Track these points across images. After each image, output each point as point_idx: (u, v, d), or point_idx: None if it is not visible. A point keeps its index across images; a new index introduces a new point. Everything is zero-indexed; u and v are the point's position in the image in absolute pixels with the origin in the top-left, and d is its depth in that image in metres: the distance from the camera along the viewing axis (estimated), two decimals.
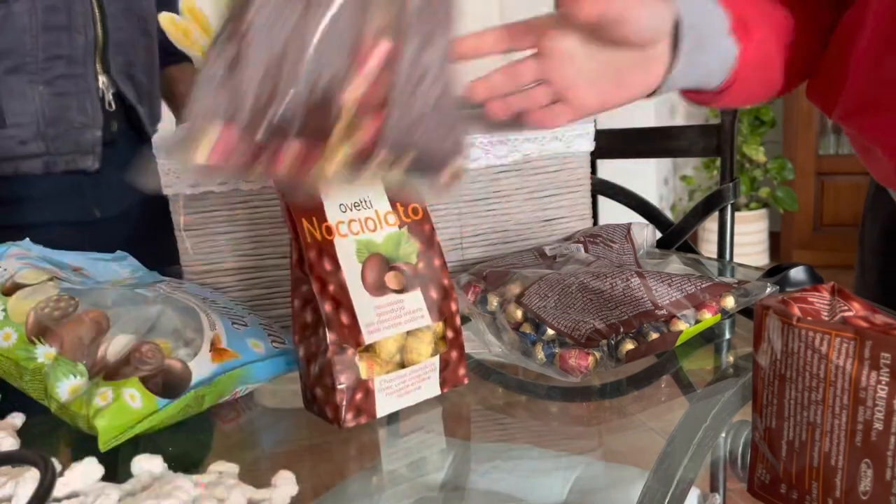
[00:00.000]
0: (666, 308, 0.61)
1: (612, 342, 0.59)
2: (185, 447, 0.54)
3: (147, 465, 0.47)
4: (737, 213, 3.05)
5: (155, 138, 0.69)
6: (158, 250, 0.81)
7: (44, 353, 0.54)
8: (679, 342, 0.61)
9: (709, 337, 0.70)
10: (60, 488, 0.44)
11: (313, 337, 0.54)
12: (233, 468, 0.48)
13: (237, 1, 0.42)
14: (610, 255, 0.73)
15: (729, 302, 0.64)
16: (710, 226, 3.23)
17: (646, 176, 3.32)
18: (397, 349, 0.56)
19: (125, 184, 0.93)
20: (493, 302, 0.65)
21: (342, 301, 0.53)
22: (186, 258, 0.72)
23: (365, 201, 0.57)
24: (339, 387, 0.52)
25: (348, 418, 0.53)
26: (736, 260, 1.05)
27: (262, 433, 0.57)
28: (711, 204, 1.18)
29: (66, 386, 0.52)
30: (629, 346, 0.59)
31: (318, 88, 0.43)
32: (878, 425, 0.35)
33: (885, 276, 0.80)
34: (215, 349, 0.56)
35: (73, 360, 0.53)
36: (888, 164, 0.64)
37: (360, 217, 0.56)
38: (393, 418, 0.56)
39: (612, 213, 1.25)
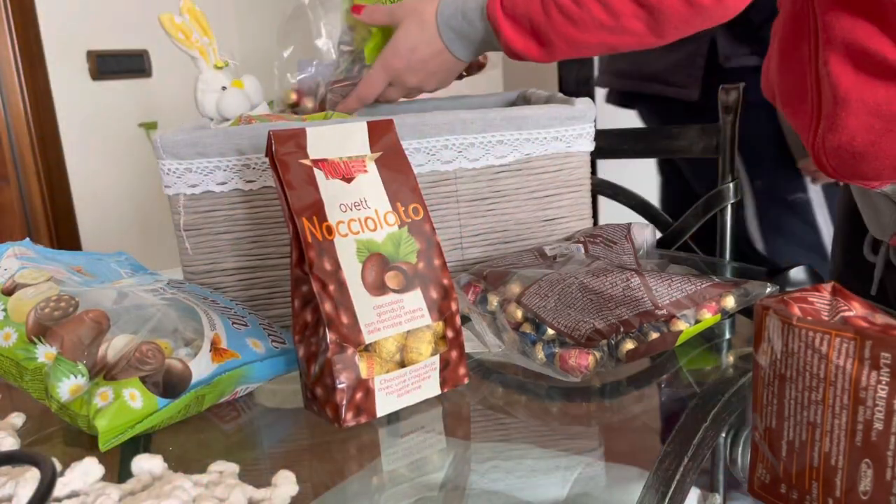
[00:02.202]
0: (666, 308, 0.61)
1: (612, 342, 0.59)
2: (185, 447, 0.54)
3: (147, 465, 0.47)
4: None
5: (155, 138, 0.69)
6: None
7: (44, 353, 0.54)
8: (679, 342, 0.61)
9: (709, 337, 0.70)
10: (60, 488, 0.44)
11: (313, 337, 0.54)
12: (233, 468, 0.48)
13: None
14: (610, 255, 0.73)
15: (729, 302, 0.64)
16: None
17: (646, 176, 3.32)
18: (397, 349, 0.56)
19: None
20: (493, 302, 0.65)
21: (342, 301, 0.53)
22: (186, 258, 0.72)
23: (365, 201, 0.57)
24: (339, 386, 0.52)
25: (348, 418, 0.53)
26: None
27: (262, 433, 0.57)
28: (711, 204, 1.18)
29: (67, 386, 0.52)
30: (629, 346, 0.59)
31: None
32: (878, 425, 0.35)
33: (846, 248, 0.95)
34: (215, 349, 0.56)
35: (73, 360, 0.53)
36: (804, 137, 0.78)
37: (360, 217, 0.56)
38: (393, 418, 0.56)
39: (612, 213, 1.25)
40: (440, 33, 0.80)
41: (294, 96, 0.91)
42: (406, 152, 0.61)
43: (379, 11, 0.84)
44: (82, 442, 0.54)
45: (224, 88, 0.79)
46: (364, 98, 0.86)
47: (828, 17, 0.68)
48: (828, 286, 0.42)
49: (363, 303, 0.54)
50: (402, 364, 0.56)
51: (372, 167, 0.58)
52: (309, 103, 0.91)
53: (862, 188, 0.79)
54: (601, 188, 1.27)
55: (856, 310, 0.40)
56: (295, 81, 0.91)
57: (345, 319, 0.53)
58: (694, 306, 0.62)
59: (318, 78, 0.90)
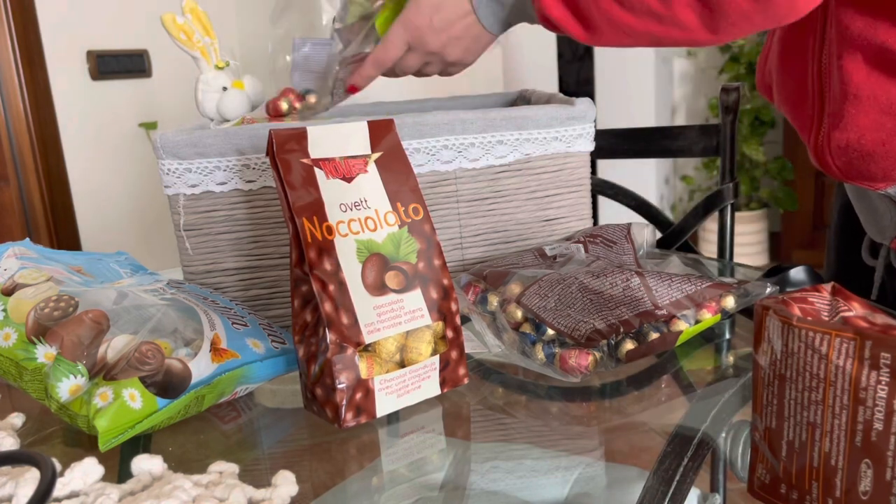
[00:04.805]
0: (666, 308, 0.61)
1: (612, 342, 0.59)
2: (185, 447, 0.54)
3: (147, 465, 0.47)
4: (737, 213, 3.05)
5: (155, 138, 0.69)
6: None
7: (44, 353, 0.54)
8: (679, 342, 0.61)
9: (709, 337, 0.70)
10: (60, 488, 0.44)
11: (313, 337, 0.54)
12: (233, 468, 0.48)
13: None
14: (610, 255, 0.73)
15: (729, 302, 0.64)
16: (710, 226, 3.23)
17: (646, 176, 3.32)
18: (397, 349, 0.56)
19: None
20: (493, 302, 0.65)
21: (342, 301, 0.53)
22: (186, 258, 0.72)
23: (365, 201, 0.57)
24: (339, 386, 0.52)
25: (348, 418, 0.53)
26: (736, 260, 1.05)
27: (262, 433, 0.57)
28: (711, 204, 1.18)
29: (66, 386, 0.52)
30: (629, 346, 0.59)
31: None
32: (878, 425, 0.35)
33: (843, 252, 0.92)
34: (215, 349, 0.56)
35: (73, 360, 0.53)
36: (805, 136, 0.77)
37: (360, 217, 0.56)
38: (393, 418, 0.56)
39: (612, 213, 1.26)
40: None
41: (284, 106, 0.84)
42: (406, 152, 0.61)
43: None
44: (82, 442, 0.54)
45: (225, 89, 0.79)
46: (381, 62, 0.79)
47: (843, 14, 0.66)
48: (828, 286, 0.42)
49: (363, 303, 0.54)
50: (402, 364, 0.56)
51: (372, 167, 0.58)
52: (312, 99, 0.84)
53: (860, 191, 0.79)
54: (601, 188, 1.27)
55: (856, 310, 0.40)
56: (289, 60, 0.85)
57: (345, 320, 0.53)
58: (694, 306, 0.62)
59: (317, 57, 0.83)
